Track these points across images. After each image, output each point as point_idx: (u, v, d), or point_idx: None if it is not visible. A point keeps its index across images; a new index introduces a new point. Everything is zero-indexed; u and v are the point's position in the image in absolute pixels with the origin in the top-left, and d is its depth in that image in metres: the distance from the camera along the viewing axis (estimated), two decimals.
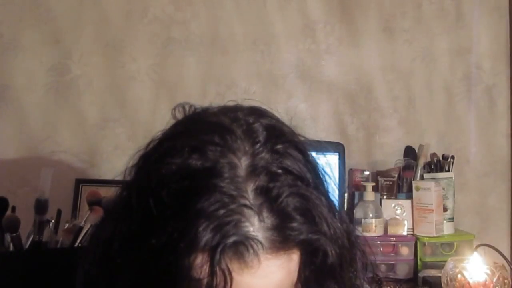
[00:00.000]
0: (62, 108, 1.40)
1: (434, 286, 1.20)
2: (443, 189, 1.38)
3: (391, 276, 1.29)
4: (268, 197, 0.48)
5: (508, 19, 1.61)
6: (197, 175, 0.48)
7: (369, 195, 1.34)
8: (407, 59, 1.58)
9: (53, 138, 1.38)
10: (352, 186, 1.44)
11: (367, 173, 1.45)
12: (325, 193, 0.55)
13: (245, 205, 0.47)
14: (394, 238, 1.31)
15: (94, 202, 0.95)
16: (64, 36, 1.40)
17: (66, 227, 0.98)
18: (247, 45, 1.50)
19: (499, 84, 1.61)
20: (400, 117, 1.57)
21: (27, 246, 0.91)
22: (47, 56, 1.39)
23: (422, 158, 1.44)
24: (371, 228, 1.30)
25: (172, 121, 0.57)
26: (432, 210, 1.32)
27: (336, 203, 0.58)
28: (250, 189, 0.48)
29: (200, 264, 0.46)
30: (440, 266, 1.20)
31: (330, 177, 0.57)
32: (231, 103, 0.58)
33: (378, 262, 1.26)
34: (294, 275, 0.51)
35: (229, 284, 0.45)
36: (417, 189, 1.36)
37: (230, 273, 0.45)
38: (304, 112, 1.52)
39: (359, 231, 1.27)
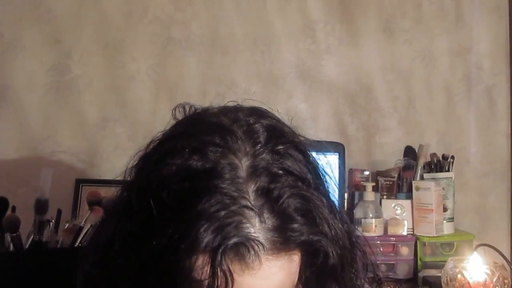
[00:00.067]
0: (62, 108, 1.40)
1: (434, 286, 1.20)
2: (443, 189, 1.38)
3: (391, 276, 1.29)
4: (269, 198, 0.48)
5: (508, 19, 1.61)
6: (198, 176, 0.48)
7: (369, 195, 1.34)
8: (407, 59, 1.58)
9: (53, 138, 1.38)
10: (352, 186, 1.44)
11: (367, 173, 1.45)
12: (326, 194, 0.55)
13: (246, 206, 0.47)
14: (394, 238, 1.32)
15: (94, 202, 0.95)
16: (64, 36, 1.40)
17: (66, 227, 0.98)
18: (247, 45, 1.50)
19: (499, 84, 1.61)
20: (400, 117, 1.57)
21: (27, 246, 0.91)
22: (47, 56, 1.39)
23: (422, 158, 1.44)
24: (371, 228, 1.30)
25: (172, 122, 0.57)
26: (432, 210, 1.32)
27: (337, 203, 0.58)
28: (251, 190, 0.48)
29: (201, 265, 0.46)
30: (440, 266, 1.20)
31: (330, 178, 0.57)
32: (231, 104, 0.58)
33: (378, 262, 1.26)
34: (295, 276, 0.51)
35: (230, 285, 0.45)
36: (417, 189, 1.36)
37: (231, 274, 0.45)
38: (304, 112, 1.52)
39: (359, 231, 1.27)
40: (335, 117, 1.54)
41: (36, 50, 1.39)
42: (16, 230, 0.88)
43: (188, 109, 0.58)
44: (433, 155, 1.44)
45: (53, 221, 0.97)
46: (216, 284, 0.45)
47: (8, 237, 0.89)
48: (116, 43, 1.43)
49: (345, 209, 1.39)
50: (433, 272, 1.26)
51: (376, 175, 1.45)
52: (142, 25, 1.45)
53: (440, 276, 1.14)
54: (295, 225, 0.48)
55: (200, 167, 0.48)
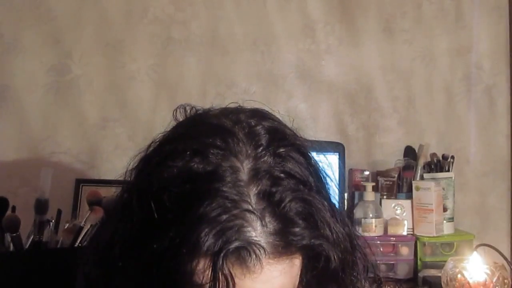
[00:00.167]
0: (62, 108, 1.40)
1: (434, 286, 1.20)
2: (443, 189, 1.38)
3: (391, 276, 1.29)
4: (270, 202, 0.48)
5: (508, 19, 1.61)
6: (199, 179, 0.48)
7: (369, 195, 1.34)
8: (407, 59, 1.58)
9: (53, 138, 1.38)
10: (352, 186, 1.44)
11: (367, 173, 1.45)
12: (327, 197, 0.55)
13: (248, 210, 0.46)
14: (394, 238, 1.32)
15: (94, 202, 0.95)
16: (64, 36, 1.40)
17: (66, 227, 0.98)
18: (247, 45, 1.50)
19: (499, 84, 1.61)
20: (400, 117, 1.57)
21: (27, 246, 0.91)
22: (47, 56, 1.39)
23: (422, 158, 1.44)
24: (371, 228, 1.30)
25: (173, 123, 0.57)
26: (432, 210, 1.32)
27: (337, 204, 0.58)
28: (252, 193, 0.48)
29: (202, 269, 0.45)
30: (440, 266, 1.20)
31: (331, 179, 0.57)
32: (232, 105, 0.58)
33: (378, 262, 1.26)
34: (296, 280, 0.51)
35: None
36: (417, 189, 1.36)
37: (232, 278, 0.45)
38: (304, 112, 1.53)
39: (359, 232, 1.27)
40: (335, 117, 1.54)
41: (36, 50, 1.39)
42: (16, 230, 0.88)
43: (189, 110, 0.58)
44: (433, 155, 1.44)
45: (53, 221, 0.97)
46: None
47: (8, 237, 0.89)
48: (116, 43, 1.43)
49: (345, 209, 1.39)
50: (433, 272, 1.26)
51: (376, 175, 1.45)
52: (142, 25, 1.45)
53: (440, 276, 1.14)
54: (297, 229, 0.47)
55: (201, 170, 0.48)
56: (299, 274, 0.51)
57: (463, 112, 1.60)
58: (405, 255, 1.31)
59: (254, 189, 0.48)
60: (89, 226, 0.93)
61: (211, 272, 0.45)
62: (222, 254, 0.44)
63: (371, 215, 1.31)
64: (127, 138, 1.42)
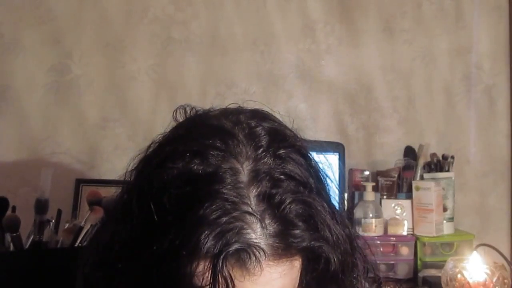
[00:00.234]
0: (62, 108, 1.40)
1: (434, 286, 1.20)
2: (443, 189, 1.38)
3: (391, 276, 1.29)
4: (270, 204, 0.47)
5: (508, 19, 1.61)
6: (199, 180, 0.47)
7: (369, 195, 1.34)
8: (407, 59, 1.58)
9: (53, 138, 1.39)
10: (352, 186, 1.44)
11: (367, 173, 1.45)
12: (328, 198, 0.54)
13: (248, 212, 0.46)
14: (394, 238, 1.32)
15: (94, 202, 0.95)
16: (64, 36, 1.41)
17: (66, 227, 0.98)
18: (247, 45, 1.50)
19: (499, 84, 1.61)
20: (400, 117, 1.57)
21: (27, 246, 0.91)
22: (47, 56, 1.39)
23: (422, 158, 1.44)
24: (371, 228, 1.30)
25: (173, 123, 0.57)
26: (432, 210, 1.32)
27: (337, 205, 0.58)
28: (252, 195, 0.47)
29: (202, 271, 0.45)
30: (440, 266, 1.20)
31: (332, 181, 0.57)
32: (232, 106, 0.57)
33: (378, 262, 1.26)
34: (295, 282, 0.51)
35: None
36: (417, 189, 1.36)
37: (232, 281, 0.45)
38: (304, 112, 1.53)
39: (359, 231, 1.27)
40: (335, 117, 1.54)
41: (36, 50, 1.39)
42: (16, 230, 0.88)
43: (189, 111, 0.58)
44: (433, 155, 1.44)
45: (53, 221, 0.97)
46: None
47: (8, 237, 0.89)
48: (116, 43, 1.43)
49: (345, 209, 1.39)
50: (433, 272, 1.26)
51: (376, 175, 1.45)
52: (142, 25, 1.45)
53: (440, 276, 1.14)
54: (297, 231, 0.47)
55: (201, 172, 0.48)
56: (299, 276, 0.51)
57: (463, 112, 1.60)
58: (405, 255, 1.31)
59: (254, 191, 0.48)
60: (89, 226, 0.93)
61: (211, 274, 0.44)
62: (222, 256, 0.44)
63: (371, 215, 1.31)
64: (127, 138, 1.42)
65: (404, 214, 1.36)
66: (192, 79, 1.47)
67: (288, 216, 0.48)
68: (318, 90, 1.54)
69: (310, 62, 1.53)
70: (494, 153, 1.60)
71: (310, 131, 1.49)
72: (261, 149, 0.50)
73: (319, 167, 0.56)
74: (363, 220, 1.30)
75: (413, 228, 1.36)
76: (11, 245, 0.89)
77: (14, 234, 0.88)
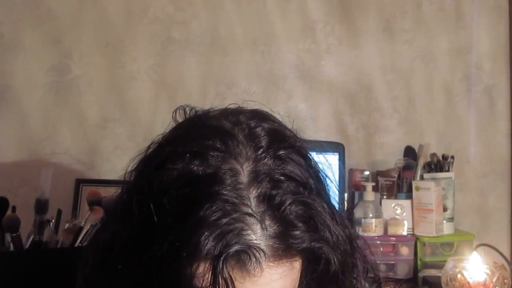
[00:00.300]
0: (62, 108, 1.40)
1: (434, 286, 1.20)
2: (443, 189, 1.38)
3: (391, 276, 1.29)
4: (270, 205, 0.47)
5: (508, 19, 1.61)
6: (199, 182, 0.47)
7: (369, 195, 1.34)
8: (407, 59, 1.58)
9: (53, 138, 1.39)
10: (352, 186, 1.44)
11: (367, 173, 1.45)
12: (328, 199, 0.54)
13: (248, 213, 0.46)
14: (394, 238, 1.32)
15: (94, 202, 0.95)
16: (64, 36, 1.41)
17: (66, 227, 0.98)
18: (247, 45, 1.50)
19: (499, 84, 1.61)
20: (400, 117, 1.57)
21: (27, 246, 0.91)
22: (47, 56, 1.39)
23: (422, 158, 1.44)
24: (371, 228, 1.30)
25: (173, 124, 0.57)
26: (432, 210, 1.32)
27: (337, 206, 0.57)
28: (252, 196, 0.47)
29: (202, 273, 0.45)
30: (440, 266, 1.20)
31: (331, 181, 0.57)
32: (232, 106, 0.57)
33: (378, 262, 1.26)
34: (296, 282, 0.51)
35: None
36: (417, 189, 1.36)
37: (232, 282, 0.45)
38: (304, 112, 1.53)
39: (359, 231, 1.27)
40: (335, 117, 1.54)
41: (36, 50, 1.39)
42: (16, 230, 0.88)
43: (188, 112, 0.57)
44: (433, 155, 1.44)
45: (53, 221, 0.97)
46: None
47: (8, 237, 0.89)
48: (116, 43, 1.43)
49: (345, 209, 1.39)
50: (433, 272, 1.26)
51: (376, 175, 1.45)
52: (142, 25, 1.45)
53: (440, 276, 1.14)
54: (297, 232, 0.47)
55: (201, 173, 0.48)
56: (299, 276, 0.51)
57: (463, 112, 1.60)
58: (405, 255, 1.31)
59: (254, 192, 0.48)
60: (89, 226, 0.93)
61: (211, 276, 0.44)
62: (222, 258, 0.44)
63: (371, 215, 1.31)
64: (127, 138, 1.42)
65: (404, 214, 1.36)
66: (192, 79, 1.47)
67: (288, 217, 0.47)
68: (318, 90, 1.54)
69: (310, 62, 1.53)
70: (494, 153, 1.60)
71: (310, 131, 1.49)
72: (261, 150, 0.50)
73: (319, 167, 0.56)
74: (363, 220, 1.30)
75: (413, 228, 1.36)
76: (11, 245, 0.89)
77: (14, 234, 0.88)
